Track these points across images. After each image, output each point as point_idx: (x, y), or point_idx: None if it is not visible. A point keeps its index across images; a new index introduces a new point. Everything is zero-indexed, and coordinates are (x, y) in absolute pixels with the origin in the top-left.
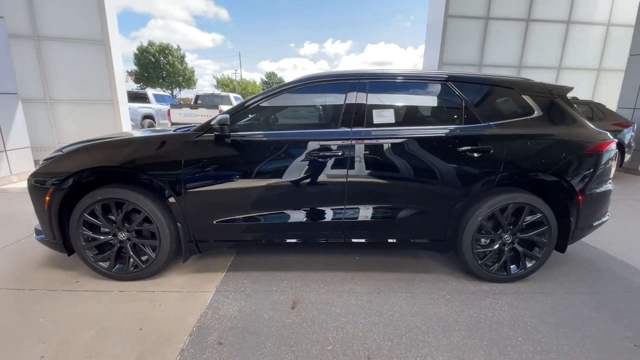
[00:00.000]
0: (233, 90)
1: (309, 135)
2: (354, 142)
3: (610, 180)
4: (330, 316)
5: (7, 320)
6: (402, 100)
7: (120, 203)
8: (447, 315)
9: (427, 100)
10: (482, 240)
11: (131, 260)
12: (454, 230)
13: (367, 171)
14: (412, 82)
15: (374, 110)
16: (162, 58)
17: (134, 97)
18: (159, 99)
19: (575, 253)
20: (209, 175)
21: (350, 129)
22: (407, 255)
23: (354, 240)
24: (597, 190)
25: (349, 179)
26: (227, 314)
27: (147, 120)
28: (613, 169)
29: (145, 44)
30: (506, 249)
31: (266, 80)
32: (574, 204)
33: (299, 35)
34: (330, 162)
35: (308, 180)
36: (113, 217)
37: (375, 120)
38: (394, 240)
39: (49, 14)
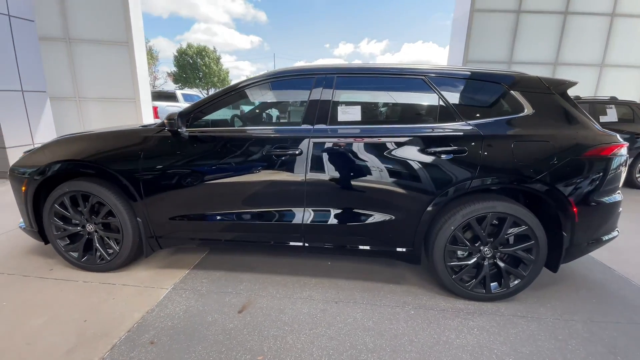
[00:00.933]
0: None
1: (268, 132)
2: (314, 140)
3: (618, 191)
4: (275, 324)
5: None
6: (371, 96)
7: (87, 196)
8: (402, 334)
9: (401, 97)
10: (459, 252)
11: (98, 252)
12: (425, 239)
13: (328, 172)
14: (385, 78)
15: (339, 107)
16: (199, 60)
17: (164, 96)
18: (187, 98)
19: (583, 272)
20: (164, 171)
21: (312, 127)
22: (384, 263)
23: (314, 244)
24: (600, 201)
25: (308, 179)
26: (173, 313)
27: None
28: (623, 177)
29: (187, 46)
30: (486, 263)
31: None
32: (568, 216)
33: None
34: (288, 160)
35: (264, 179)
36: (81, 209)
37: (340, 118)
38: (359, 247)
39: (79, 18)
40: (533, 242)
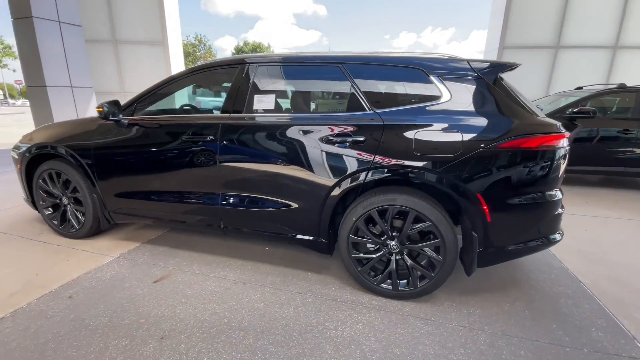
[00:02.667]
0: None
1: (189, 120)
2: (226, 127)
3: (551, 190)
4: (175, 295)
5: None
6: (288, 85)
7: (59, 173)
8: (283, 318)
9: (317, 86)
10: (369, 245)
11: (70, 222)
12: (330, 229)
13: (238, 159)
14: (302, 67)
15: (255, 96)
16: None
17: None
18: None
19: (542, 281)
20: (108, 154)
21: (229, 115)
22: (318, 253)
23: (231, 227)
24: (521, 200)
25: (220, 165)
26: (101, 276)
27: None
28: (557, 175)
29: (244, 44)
30: (393, 259)
31: None
32: (477, 214)
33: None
34: (203, 147)
35: (185, 163)
36: (57, 185)
37: (255, 107)
38: (271, 233)
39: (124, 23)
40: (439, 240)
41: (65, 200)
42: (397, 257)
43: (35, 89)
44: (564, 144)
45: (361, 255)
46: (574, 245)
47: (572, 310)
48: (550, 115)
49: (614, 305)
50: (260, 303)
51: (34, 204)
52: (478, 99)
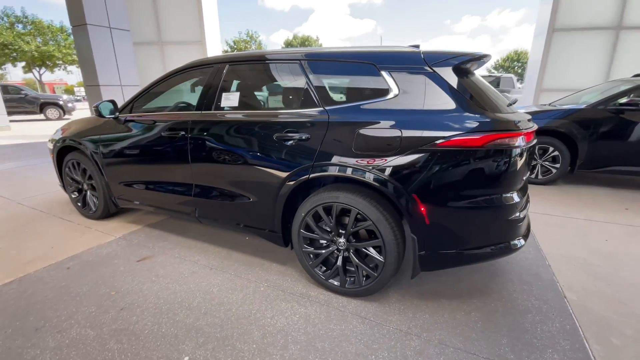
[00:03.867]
0: None
1: (167, 117)
2: (195, 123)
3: (503, 193)
4: (148, 273)
5: (16, 225)
6: (253, 83)
7: (79, 162)
8: (229, 303)
9: (279, 83)
10: (321, 241)
11: (88, 204)
12: (286, 223)
13: (203, 153)
14: (268, 64)
15: (223, 94)
16: None
17: None
18: None
19: (519, 292)
20: (110, 147)
21: (198, 112)
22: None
23: (203, 217)
24: (463, 204)
25: (191, 158)
26: (99, 252)
27: None
28: (509, 176)
29: (293, 37)
30: (340, 255)
31: None
32: (416, 216)
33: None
34: (178, 141)
35: (165, 156)
36: (78, 172)
37: (222, 104)
38: (236, 224)
39: (168, 25)
40: (379, 239)
41: (85, 186)
42: (344, 254)
43: (91, 87)
44: (519, 142)
45: (312, 249)
46: (581, 255)
47: (536, 327)
48: (593, 106)
49: (593, 327)
50: (215, 288)
51: (64, 188)
52: (426, 94)
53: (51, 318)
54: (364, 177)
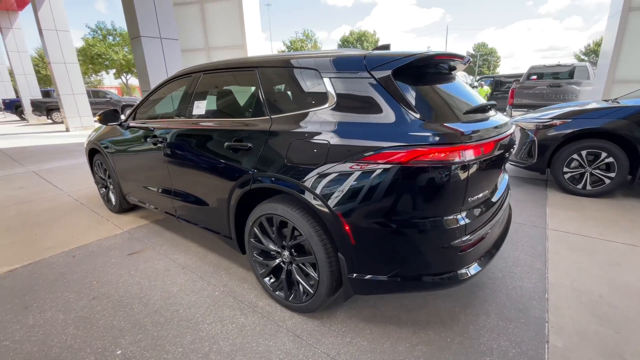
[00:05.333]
0: None
1: (151, 124)
2: (171, 130)
3: (442, 215)
4: (130, 267)
5: (57, 214)
6: (218, 92)
7: (101, 163)
8: (179, 304)
9: (239, 91)
10: (272, 252)
11: (111, 200)
12: (241, 231)
13: (174, 158)
14: (233, 73)
15: (195, 102)
16: (358, 45)
17: None
18: None
19: (496, 327)
20: (118, 149)
21: (176, 119)
22: None
23: (182, 218)
24: (391, 226)
25: (167, 162)
26: (103, 244)
27: None
28: (448, 197)
29: (370, 31)
30: (285, 268)
31: (473, 52)
32: (341, 235)
33: None
34: (159, 147)
35: (152, 160)
36: (101, 171)
37: (194, 112)
38: (203, 227)
39: (214, 33)
40: (312, 256)
41: (108, 183)
42: (288, 268)
43: (146, 92)
44: (464, 157)
45: (261, 259)
46: (598, 290)
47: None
48: None
49: None
50: (177, 287)
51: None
52: (362, 102)
53: (40, 299)
54: (294, 190)
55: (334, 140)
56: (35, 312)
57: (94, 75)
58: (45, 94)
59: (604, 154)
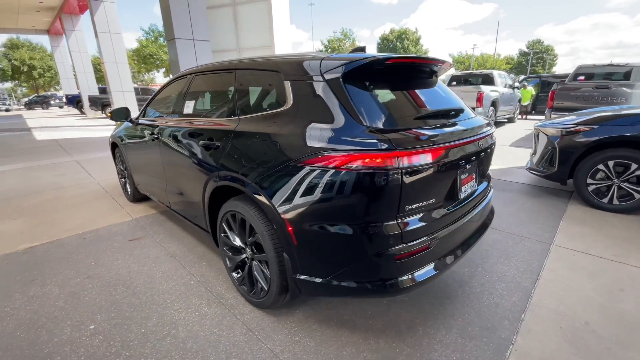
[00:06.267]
0: (468, 68)
1: (150, 122)
2: (160, 129)
3: (386, 221)
4: (125, 253)
5: (84, 200)
6: (204, 93)
7: (119, 155)
8: (156, 289)
9: (221, 93)
10: (238, 248)
11: (128, 189)
12: (214, 225)
13: (164, 154)
14: (217, 74)
15: (185, 102)
16: (398, 43)
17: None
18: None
19: (455, 344)
20: (130, 144)
21: (172, 118)
22: None
23: (173, 209)
24: (326, 228)
25: (161, 157)
26: (111, 229)
27: None
28: (377, 203)
29: (413, 28)
30: (248, 264)
31: (526, 50)
32: (285, 235)
33: None
34: (155, 144)
35: (152, 154)
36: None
37: (184, 112)
38: (188, 219)
39: (244, 34)
40: (265, 254)
41: (125, 174)
42: (250, 264)
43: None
44: (398, 164)
45: (230, 254)
46: (585, 317)
47: None
48: None
49: None
50: (159, 274)
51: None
52: (312, 105)
53: (45, 274)
54: (248, 189)
55: (283, 142)
56: (38, 285)
57: (146, 74)
58: (102, 90)
59: (634, 166)
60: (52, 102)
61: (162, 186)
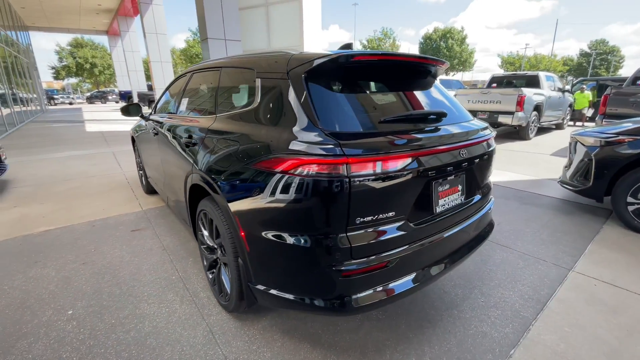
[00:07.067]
0: (519, 68)
1: (159, 118)
2: (161, 126)
3: (332, 234)
4: (124, 242)
5: (107, 188)
6: (196, 91)
7: (137, 149)
8: (140, 280)
9: (207, 90)
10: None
11: (142, 182)
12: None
13: (162, 149)
14: (209, 72)
15: (182, 100)
16: (442, 43)
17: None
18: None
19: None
20: (141, 137)
21: (171, 115)
22: None
23: (170, 204)
24: (273, 236)
25: (159, 152)
26: (119, 218)
27: None
28: (336, 213)
29: (459, 27)
30: (218, 265)
31: (588, 51)
32: (239, 239)
33: None
34: (155, 139)
35: (153, 150)
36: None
37: (180, 108)
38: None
39: (276, 34)
40: (226, 257)
41: (141, 167)
42: (219, 265)
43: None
44: (339, 172)
45: (206, 253)
46: (576, 354)
47: None
48: None
49: None
50: (147, 266)
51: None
52: (272, 104)
53: (48, 257)
54: (210, 189)
55: (243, 142)
56: (39, 267)
57: None
58: (150, 87)
59: None
60: (109, 97)
61: (162, 180)
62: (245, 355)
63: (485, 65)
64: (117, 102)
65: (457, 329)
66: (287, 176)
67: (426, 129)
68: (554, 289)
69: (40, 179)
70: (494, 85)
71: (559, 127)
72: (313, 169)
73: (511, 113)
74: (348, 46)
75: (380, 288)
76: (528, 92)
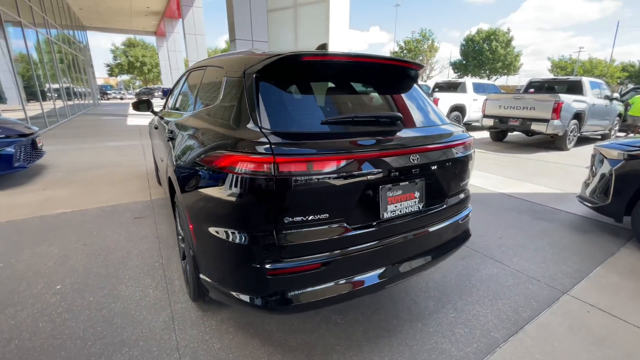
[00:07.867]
0: (571, 73)
1: (161, 114)
2: (161, 121)
3: (244, 230)
4: (124, 228)
5: (127, 178)
6: (189, 89)
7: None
8: (127, 266)
9: (193, 88)
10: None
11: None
12: None
13: (159, 144)
14: (200, 71)
15: (178, 97)
16: (485, 45)
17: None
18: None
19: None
20: (152, 132)
21: (169, 111)
22: None
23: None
24: (212, 230)
25: (159, 145)
26: (128, 206)
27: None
28: (260, 211)
29: (506, 29)
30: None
31: None
32: (188, 232)
33: None
34: (158, 131)
35: (157, 142)
36: None
37: (176, 105)
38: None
39: (303, 35)
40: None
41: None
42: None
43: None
44: (266, 170)
45: (180, 243)
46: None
47: None
48: None
49: None
50: (137, 251)
51: None
52: (229, 102)
53: (57, 236)
54: (174, 182)
55: (199, 137)
56: (46, 244)
57: None
58: None
59: None
60: (155, 93)
61: (160, 171)
62: (195, 344)
63: (538, 69)
64: (161, 98)
65: (414, 343)
66: (223, 172)
67: (374, 132)
68: (538, 312)
69: (74, 166)
70: (531, 90)
71: (605, 137)
72: (244, 166)
73: (546, 120)
74: (323, 46)
75: (311, 290)
76: (566, 98)
